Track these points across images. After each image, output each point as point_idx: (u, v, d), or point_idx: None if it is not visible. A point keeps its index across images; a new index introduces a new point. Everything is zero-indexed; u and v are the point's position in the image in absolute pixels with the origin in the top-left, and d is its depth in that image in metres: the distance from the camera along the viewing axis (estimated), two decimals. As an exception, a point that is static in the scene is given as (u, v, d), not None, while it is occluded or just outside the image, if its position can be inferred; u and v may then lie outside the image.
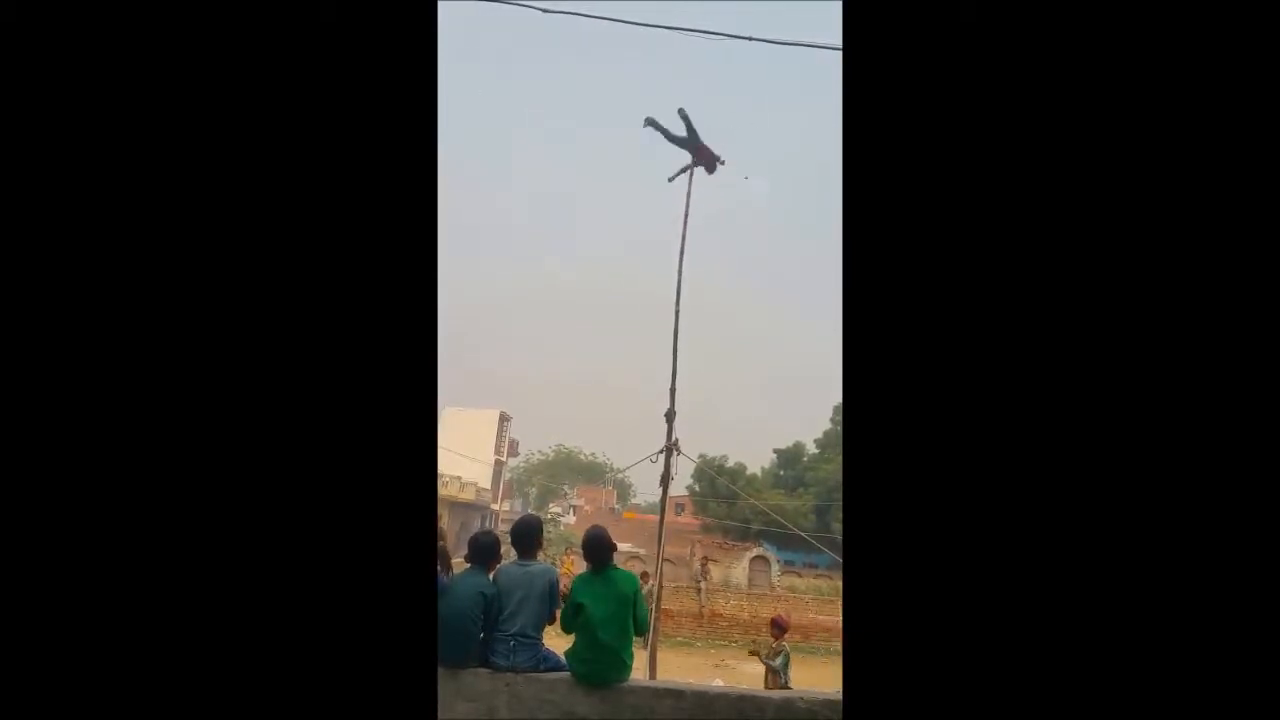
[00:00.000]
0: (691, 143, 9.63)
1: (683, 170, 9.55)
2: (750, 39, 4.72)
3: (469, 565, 3.58)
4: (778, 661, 8.32)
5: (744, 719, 3.20)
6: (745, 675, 13.55)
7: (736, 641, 17.49)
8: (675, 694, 3.28)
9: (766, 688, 8.13)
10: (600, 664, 3.28)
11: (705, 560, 21.59)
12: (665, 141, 9.44)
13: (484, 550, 3.60)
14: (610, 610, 3.33)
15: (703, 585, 19.16)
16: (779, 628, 8.64)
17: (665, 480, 10.82)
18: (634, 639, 3.39)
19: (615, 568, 3.54)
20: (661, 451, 10.65)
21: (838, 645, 17.36)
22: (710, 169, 9.70)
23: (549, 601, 3.43)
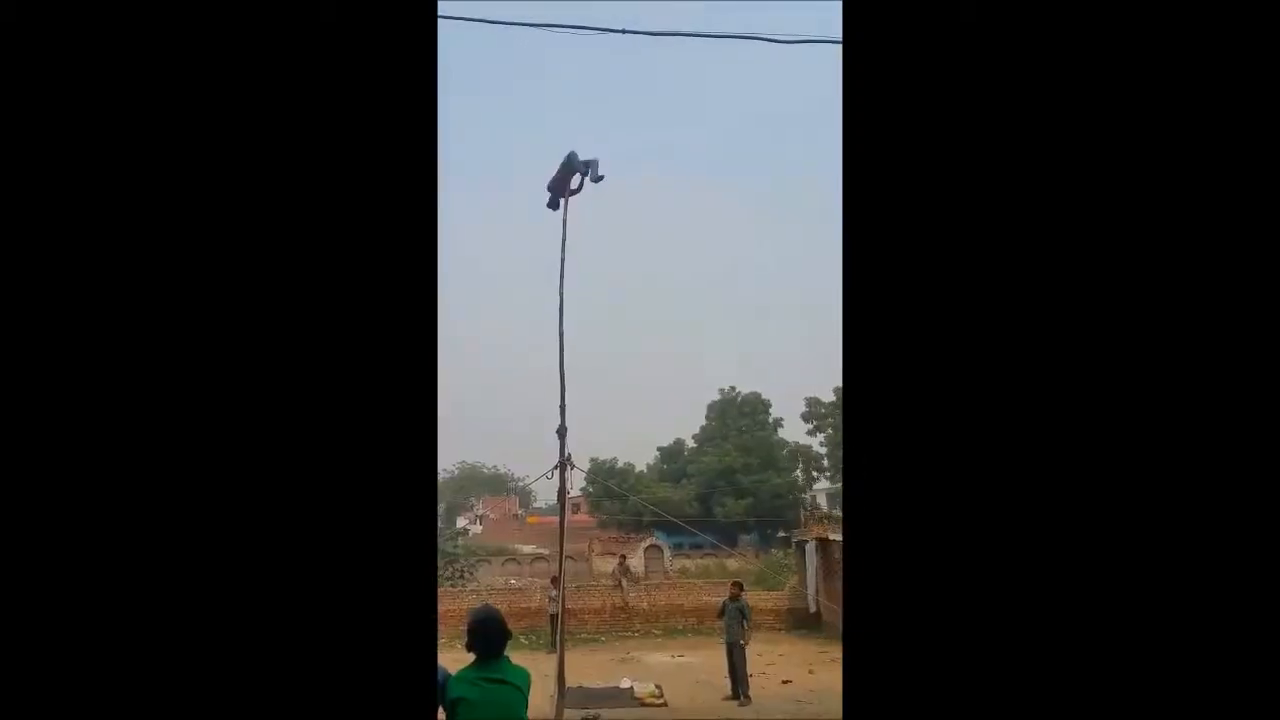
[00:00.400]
0: (565, 176, 9.38)
1: (563, 194, 9.32)
2: (758, 38, 4.02)
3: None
4: (741, 602, 9.60)
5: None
6: (651, 668, 12.83)
7: (637, 631, 16.73)
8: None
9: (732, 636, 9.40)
10: None
11: (622, 559, 20.85)
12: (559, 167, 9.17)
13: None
14: (497, 710, 2.33)
15: (624, 582, 18.29)
16: (738, 587, 10.10)
17: (562, 495, 10.07)
18: None
19: (507, 660, 2.47)
20: (556, 468, 9.94)
21: (731, 624, 17.08)
22: (551, 203, 9.39)
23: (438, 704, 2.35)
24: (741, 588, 10.28)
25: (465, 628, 2.50)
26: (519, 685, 2.41)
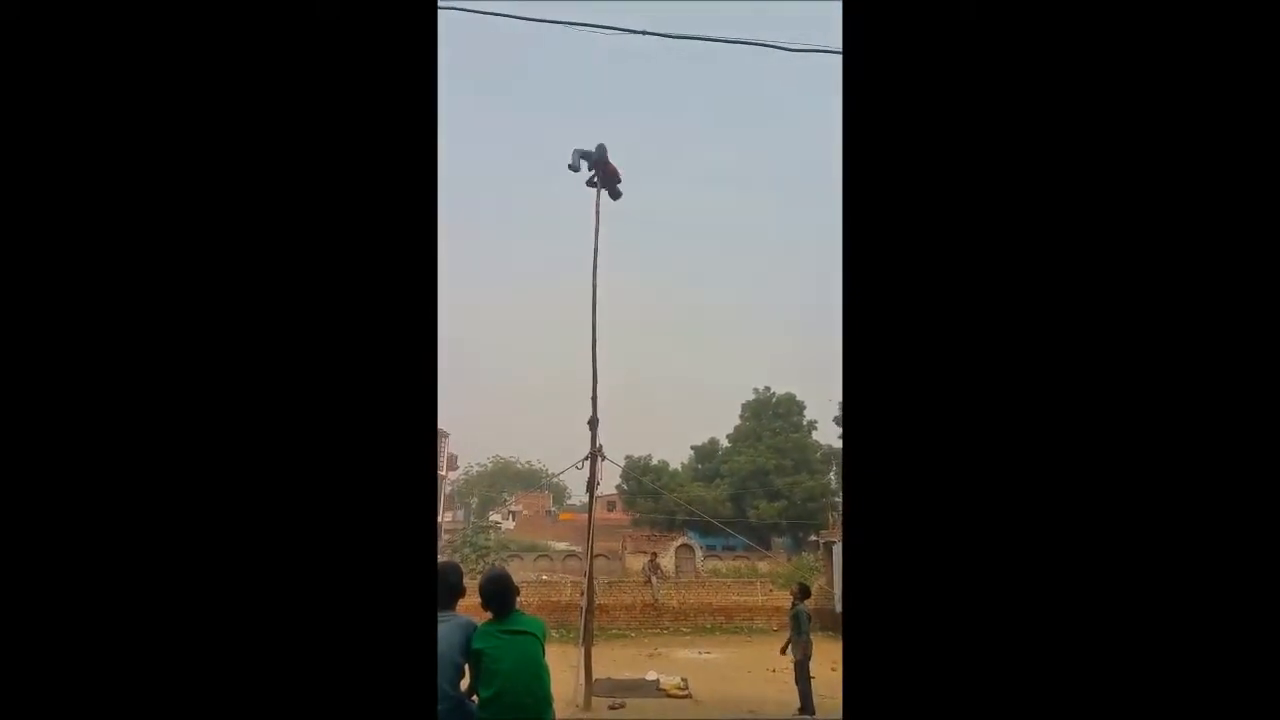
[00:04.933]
0: (595, 165, 10.06)
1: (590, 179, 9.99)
2: (756, 44, 4.28)
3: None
4: (797, 610, 8.89)
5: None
6: (678, 663, 13.10)
7: (666, 629, 17.01)
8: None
9: (783, 649, 9.00)
10: (513, 708, 2.58)
11: (653, 556, 21.20)
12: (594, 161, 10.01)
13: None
14: (515, 659, 2.66)
15: (654, 579, 18.65)
16: (804, 592, 9.36)
17: (591, 485, 10.43)
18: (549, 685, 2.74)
19: (520, 613, 2.83)
20: (586, 458, 10.28)
21: (758, 624, 17.22)
22: (612, 194, 10.06)
23: (466, 654, 2.66)
24: (805, 593, 9.33)
25: (479, 591, 2.84)
26: (535, 633, 2.71)
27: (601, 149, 9.96)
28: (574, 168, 9.92)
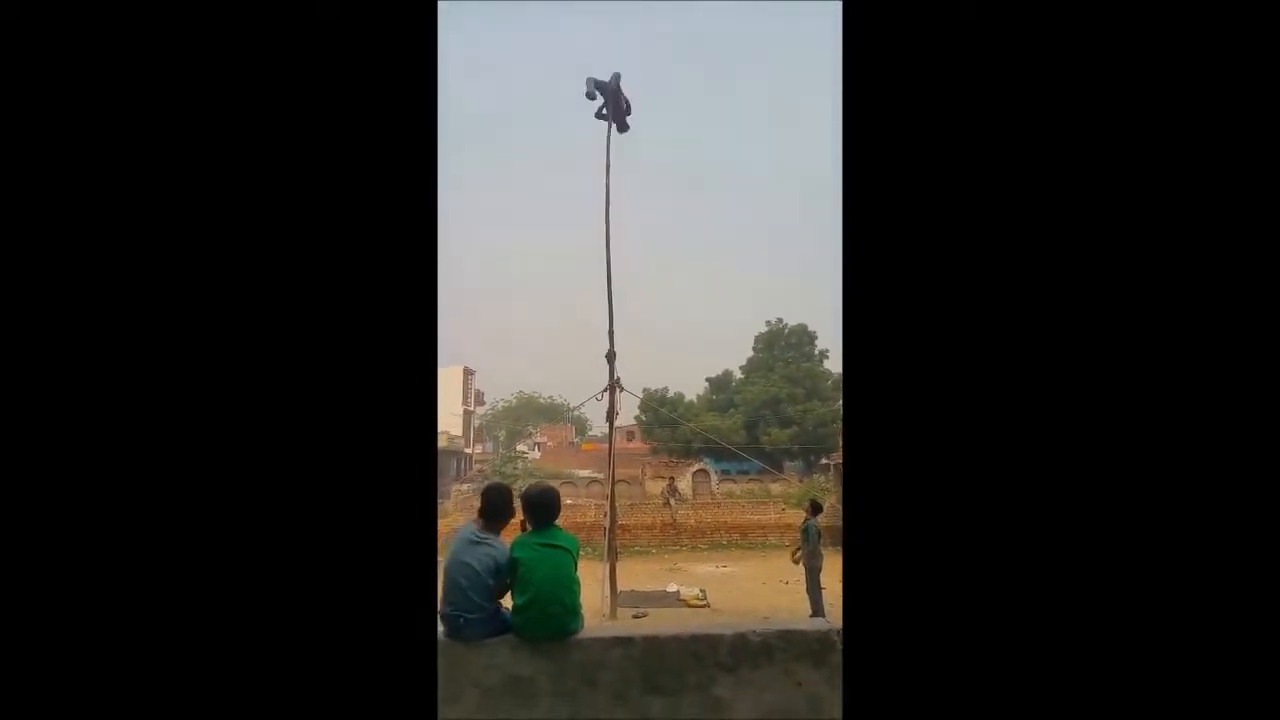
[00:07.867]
0: (607, 95, 9.81)
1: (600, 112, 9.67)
2: None
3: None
4: (807, 524, 9.20)
5: (697, 659, 2.75)
6: (696, 576, 13.56)
7: (685, 546, 17.51)
8: (624, 642, 2.79)
9: (793, 556, 9.43)
10: (542, 615, 2.71)
11: (671, 480, 21.93)
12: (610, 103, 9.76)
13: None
14: (548, 570, 2.77)
15: (673, 501, 19.31)
16: (815, 508, 9.59)
17: (611, 415, 10.60)
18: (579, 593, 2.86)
19: (558, 528, 2.89)
20: (606, 390, 10.42)
21: (772, 540, 17.66)
22: (620, 126, 9.84)
23: (496, 576, 2.76)
24: (817, 509, 9.66)
25: (521, 503, 2.94)
26: (568, 548, 2.81)
27: (616, 78, 9.66)
28: (590, 96, 9.65)
